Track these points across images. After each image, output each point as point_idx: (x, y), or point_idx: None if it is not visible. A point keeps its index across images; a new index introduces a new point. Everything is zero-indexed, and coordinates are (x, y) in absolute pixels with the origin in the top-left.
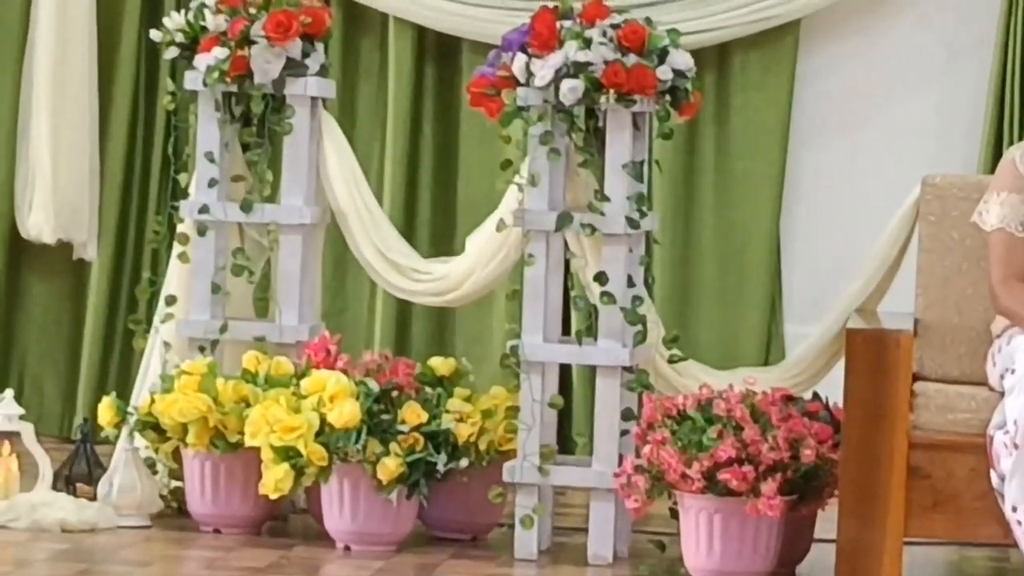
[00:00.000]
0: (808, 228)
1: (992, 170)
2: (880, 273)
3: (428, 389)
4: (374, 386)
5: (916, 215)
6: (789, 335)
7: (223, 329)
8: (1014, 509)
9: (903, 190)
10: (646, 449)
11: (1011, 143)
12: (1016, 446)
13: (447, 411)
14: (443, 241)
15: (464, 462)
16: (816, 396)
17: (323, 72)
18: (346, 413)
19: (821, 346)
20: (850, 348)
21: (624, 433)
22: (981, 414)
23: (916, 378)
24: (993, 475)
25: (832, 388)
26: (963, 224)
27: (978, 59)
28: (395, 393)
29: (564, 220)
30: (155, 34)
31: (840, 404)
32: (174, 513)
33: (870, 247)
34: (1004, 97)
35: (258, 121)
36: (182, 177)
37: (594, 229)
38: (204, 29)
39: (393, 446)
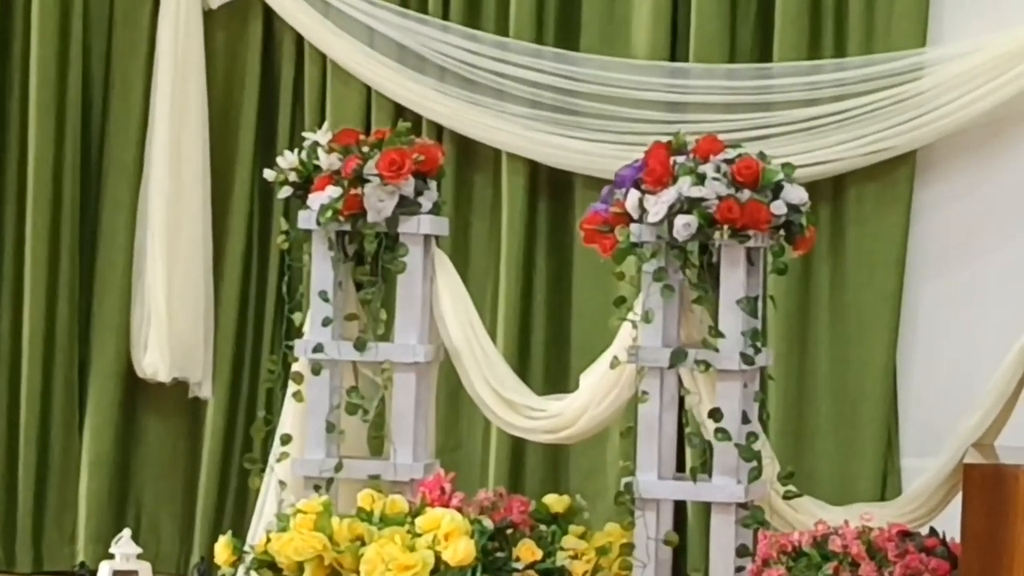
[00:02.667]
0: (925, 361)
1: None
2: (998, 406)
3: (543, 526)
4: (488, 524)
5: None
6: (906, 470)
7: (338, 468)
8: None
9: (1021, 323)
10: None
11: None
12: None
13: (562, 548)
14: (557, 378)
15: None
16: (933, 532)
17: (436, 210)
18: (461, 551)
19: (938, 481)
20: (967, 483)
21: (740, 570)
22: None
23: None
24: None
25: (950, 523)
26: None
27: None
28: (510, 531)
29: (678, 357)
30: (268, 173)
31: (958, 540)
32: None
33: (988, 380)
34: None
35: (371, 259)
36: (296, 316)
37: (708, 365)
38: (317, 168)
39: None
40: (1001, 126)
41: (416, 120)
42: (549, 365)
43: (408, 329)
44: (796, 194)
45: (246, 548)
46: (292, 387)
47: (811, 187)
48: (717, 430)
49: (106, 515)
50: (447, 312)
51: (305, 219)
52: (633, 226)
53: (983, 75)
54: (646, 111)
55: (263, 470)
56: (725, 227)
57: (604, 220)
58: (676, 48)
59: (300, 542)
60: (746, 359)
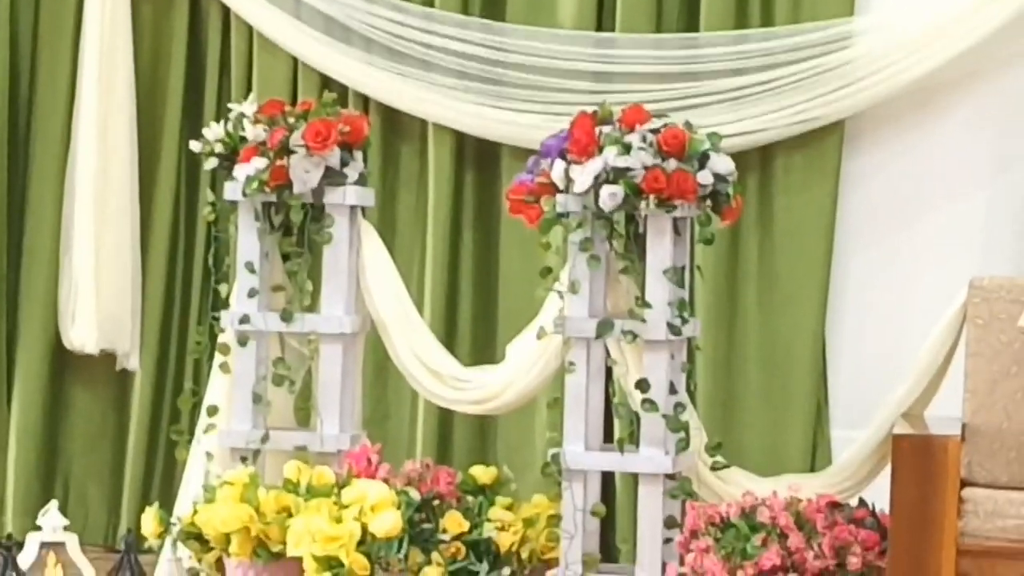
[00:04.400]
0: (854, 332)
1: None
2: (927, 377)
3: (470, 498)
4: (415, 495)
5: (963, 318)
6: (835, 441)
7: (264, 439)
8: None
9: (950, 293)
10: (690, 557)
11: None
12: None
13: (488, 520)
14: (484, 349)
15: (506, 571)
16: (862, 502)
17: (362, 181)
18: (388, 523)
19: (867, 452)
20: (896, 454)
21: (667, 541)
22: None
23: (964, 484)
24: None
25: (879, 494)
26: (1011, 327)
27: None
28: (436, 502)
29: (605, 327)
30: (195, 145)
31: (887, 510)
32: None
33: (917, 351)
34: None
35: (297, 230)
36: (222, 287)
37: (635, 336)
38: (243, 139)
39: (435, 555)
40: (929, 95)
41: (342, 91)
42: (476, 336)
43: (334, 300)
44: (723, 164)
45: (173, 520)
46: (219, 358)
47: (738, 157)
48: (644, 401)
49: (33, 487)
50: (373, 283)
51: (231, 190)
52: (559, 196)
53: (911, 44)
54: (572, 81)
55: (190, 441)
56: (651, 197)
57: (530, 191)
58: (602, 18)
59: (226, 514)
60: (673, 329)
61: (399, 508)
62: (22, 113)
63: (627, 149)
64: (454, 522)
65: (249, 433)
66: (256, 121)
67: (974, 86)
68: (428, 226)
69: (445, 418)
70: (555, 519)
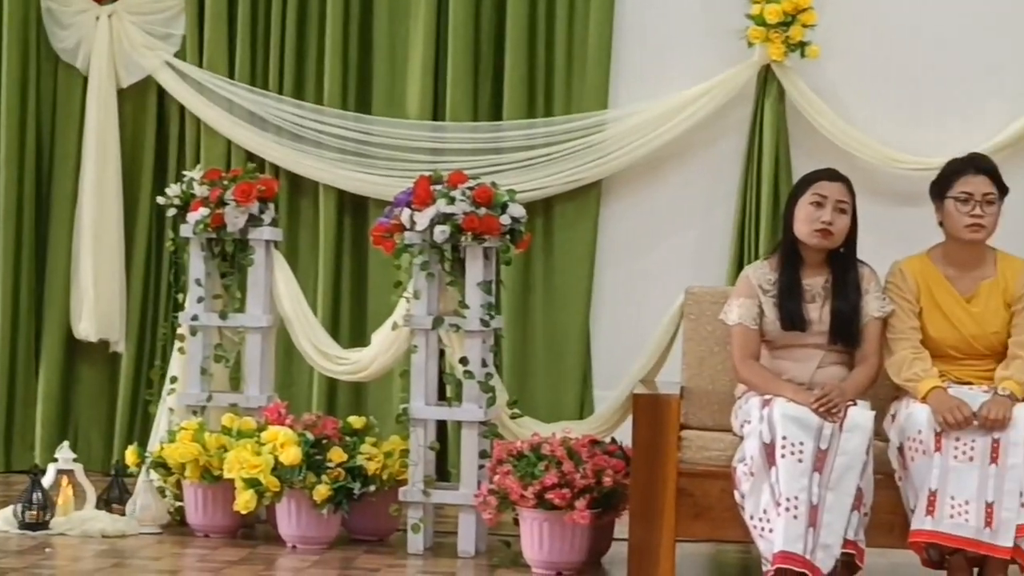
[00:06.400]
0: (608, 323)
1: (734, 283)
2: (657, 354)
3: (348, 438)
4: (311, 436)
5: (681, 314)
6: (596, 398)
7: (209, 399)
8: (751, 517)
9: (673, 297)
10: (496, 478)
11: (749, 263)
12: (752, 474)
13: (361, 453)
14: (357, 337)
15: (372, 487)
16: (613, 440)
17: (274, 223)
18: (291, 455)
19: (617, 406)
20: (636, 407)
21: (481, 467)
22: (728, 452)
23: (682, 427)
24: (736, 494)
25: (625, 435)
26: (714, 321)
27: (726, 205)
28: (325, 441)
29: (438, 322)
30: (160, 199)
31: (630, 446)
32: (177, 524)
33: (650, 336)
34: (744, 232)
35: (230, 257)
36: (180, 296)
37: (459, 328)
38: (193, 195)
39: (324, 477)
40: (661, 161)
41: (261, 163)
42: (352, 328)
43: (255, 304)
44: (517, 211)
45: (147, 454)
46: (178, 344)
47: (528, 206)
48: (465, 372)
49: (53, 432)
50: (282, 293)
51: (185, 230)
52: (407, 233)
53: (646, 128)
54: (416, 155)
55: (159, 401)
56: (469, 233)
57: (387, 229)
58: (437, 110)
59: (183, 450)
60: (484, 323)
61: (300, 445)
62: (44, 179)
63: (452, 201)
64: (337, 455)
65: (198, 395)
66: (202, 183)
67: (691, 154)
68: (320, 254)
69: (331, 384)
70: (406, 452)
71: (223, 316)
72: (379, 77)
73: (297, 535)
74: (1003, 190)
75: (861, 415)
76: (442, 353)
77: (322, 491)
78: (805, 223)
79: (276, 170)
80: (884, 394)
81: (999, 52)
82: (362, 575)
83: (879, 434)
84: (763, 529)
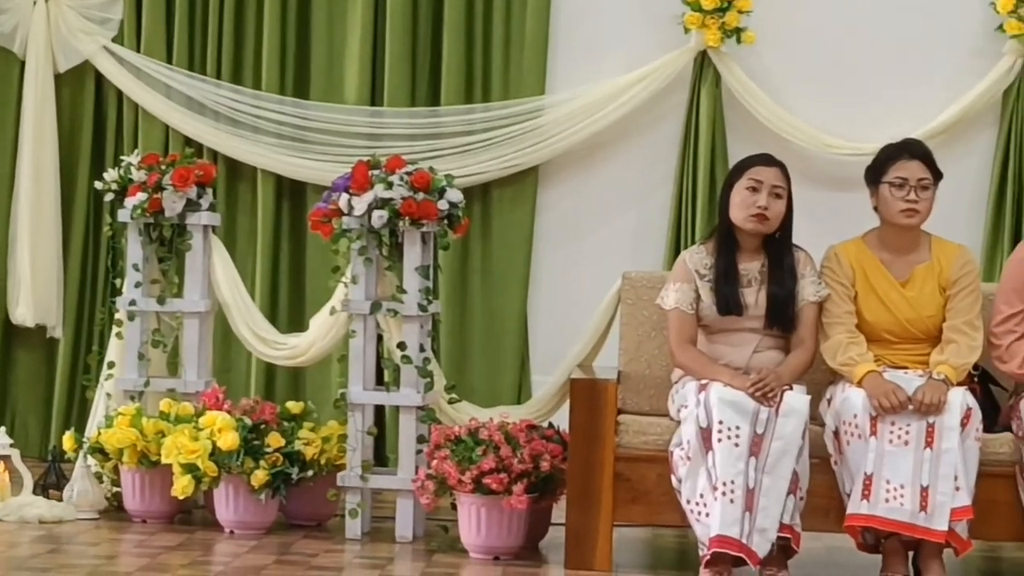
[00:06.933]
0: (546, 308)
1: (671, 268)
2: (595, 339)
3: (286, 423)
4: (249, 421)
5: (619, 299)
6: (533, 383)
7: (146, 384)
8: (688, 502)
9: (610, 282)
10: (434, 463)
11: (686, 248)
12: (689, 459)
13: (299, 438)
14: (296, 322)
15: (310, 472)
16: (551, 425)
17: (212, 208)
18: (229, 440)
19: (554, 390)
20: (574, 392)
21: (419, 452)
22: (664, 436)
23: (619, 412)
24: (673, 478)
25: (562, 419)
26: (651, 305)
27: (663, 190)
28: (263, 426)
29: (376, 307)
30: (98, 184)
31: (568, 430)
32: (115, 510)
33: (588, 321)
34: (680, 217)
35: (168, 242)
36: (118, 281)
37: (397, 312)
38: (131, 180)
39: (262, 462)
40: (597, 148)
41: (199, 147)
42: (290, 313)
43: (193, 289)
44: (455, 195)
45: (84, 439)
46: (115, 329)
47: (466, 191)
48: (403, 357)
49: None
50: (220, 278)
51: (123, 215)
52: (344, 218)
53: (583, 113)
54: (353, 140)
55: (96, 386)
56: (407, 218)
57: (325, 214)
58: (375, 96)
59: (120, 435)
60: (422, 308)
61: (237, 430)
62: None
63: (390, 186)
64: (275, 439)
65: (136, 380)
66: (140, 168)
67: (628, 139)
68: (258, 239)
69: (269, 369)
70: (343, 437)
71: (161, 301)
72: (317, 62)
73: (235, 520)
74: (937, 175)
75: (797, 399)
76: (380, 338)
77: (260, 476)
78: (741, 208)
79: (214, 155)
80: (820, 378)
81: (934, 38)
82: (300, 560)
83: (815, 418)
84: (700, 513)
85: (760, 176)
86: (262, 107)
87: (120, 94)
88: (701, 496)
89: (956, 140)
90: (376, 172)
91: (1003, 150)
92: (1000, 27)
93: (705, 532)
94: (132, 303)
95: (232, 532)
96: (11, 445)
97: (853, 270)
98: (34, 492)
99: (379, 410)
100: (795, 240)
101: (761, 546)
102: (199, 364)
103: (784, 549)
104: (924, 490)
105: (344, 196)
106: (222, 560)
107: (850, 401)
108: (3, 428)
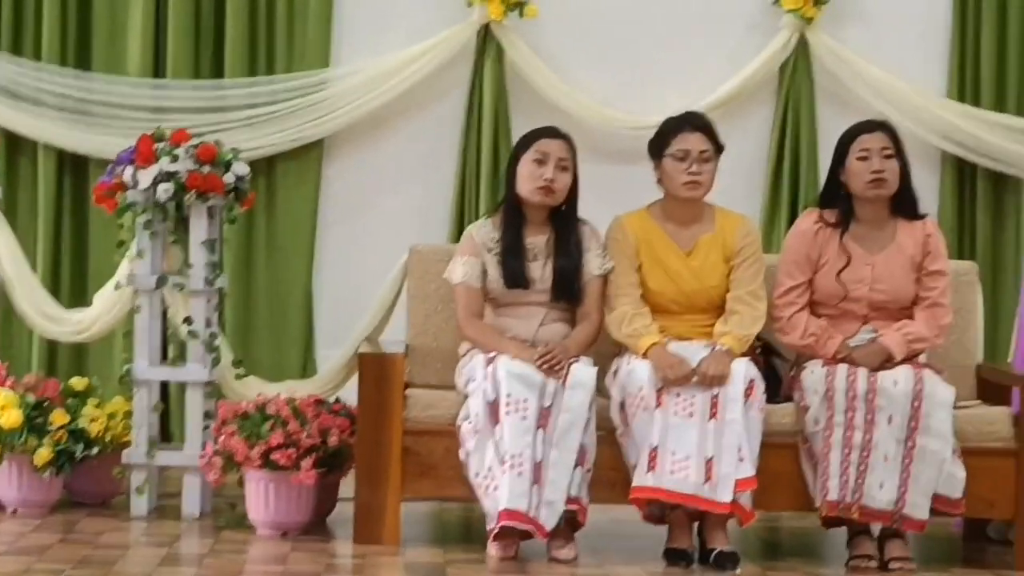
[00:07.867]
0: (332, 281)
1: (457, 241)
2: (382, 313)
3: (70, 400)
4: (31, 399)
5: (406, 272)
6: (320, 357)
7: None
8: (476, 475)
9: (397, 256)
10: (221, 439)
11: (470, 222)
12: (476, 432)
13: (83, 415)
14: (79, 297)
15: (95, 450)
16: (338, 400)
17: None
18: (12, 418)
19: (341, 364)
20: (361, 366)
21: (206, 428)
22: (452, 410)
23: (407, 385)
24: (461, 452)
25: (350, 394)
26: (438, 279)
27: (448, 164)
28: (46, 403)
29: (162, 281)
30: None
31: (356, 405)
32: None
33: (375, 294)
34: (465, 191)
35: None
36: None
37: (183, 287)
38: None
39: (46, 440)
40: (382, 122)
41: None
42: (73, 288)
43: None
44: (241, 169)
45: None
46: None
47: (253, 164)
48: (189, 332)
49: None
50: (1, 253)
51: None
52: (129, 192)
53: (368, 86)
54: (138, 112)
55: None
56: (193, 192)
57: (109, 188)
58: (158, 68)
59: None
60: (208, 282)
61: (20, 408)
62: None
63: (176, 159)
64: (59, 417)
65: None
66: None
67: (413, 112)
68: (39, 214)
69: (52, 345)
70: (129, 414)
71: None
72: (99, 33)
73: (18, 499)
74: (719, 148)
75: (584, 372)
76: (166, 313)
77: (43, 454)
78: (527, 180)
79: None
80: (606, 351)
81: (714, 12)
82: (85, 539)
83: (601, 391)
84: (488, 487)
85: (546, 148)
86: (43, 79)
87: None
88: (489, 469)
89: (735, 114)
90: (161, 145)
91: (780, 124)
92: (777, 1)
93: (493, 506)
94: None
95: (15, 511)
96: None
97: (638, 240)
98: None
99: (164, 386)
100: (580, 214)
101: (549, 519)
102: None
103: (571, 522)
104: (708, 461)
105: (129, 169)
106: (5, 540)
107: (635, 373)
108: None
